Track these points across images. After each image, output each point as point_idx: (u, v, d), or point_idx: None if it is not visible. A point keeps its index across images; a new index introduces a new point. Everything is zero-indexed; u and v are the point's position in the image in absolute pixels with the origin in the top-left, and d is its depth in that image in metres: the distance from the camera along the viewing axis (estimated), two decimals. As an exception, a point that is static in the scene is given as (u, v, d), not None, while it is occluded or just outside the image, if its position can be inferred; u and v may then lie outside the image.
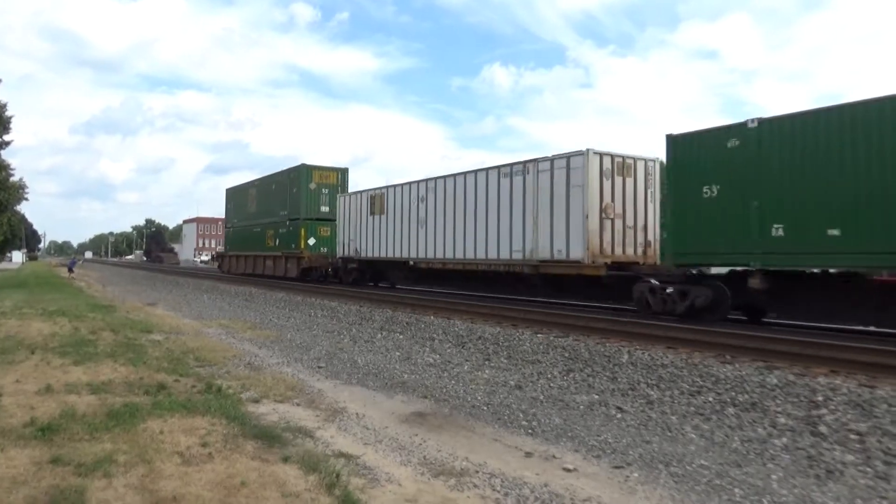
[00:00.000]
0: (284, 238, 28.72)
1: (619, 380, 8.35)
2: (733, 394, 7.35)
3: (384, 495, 4.58)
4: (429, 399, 7.82)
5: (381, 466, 5.18)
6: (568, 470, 5.22)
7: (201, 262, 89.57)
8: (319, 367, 9.75)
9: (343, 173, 28.92)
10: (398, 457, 5.53)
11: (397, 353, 10.97)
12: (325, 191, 27.66)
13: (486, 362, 10.01)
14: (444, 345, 11.52)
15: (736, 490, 4.85)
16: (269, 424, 6.13)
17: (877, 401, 6.58)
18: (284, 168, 30.63)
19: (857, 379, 7.52)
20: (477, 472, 5.14)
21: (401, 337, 12.61)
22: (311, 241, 26.99)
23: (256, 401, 7.24)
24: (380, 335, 12.86)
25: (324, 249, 27.08)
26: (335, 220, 25.97)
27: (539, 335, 11.42)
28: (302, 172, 28.03)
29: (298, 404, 7.26)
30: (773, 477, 5.16)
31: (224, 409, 6.40)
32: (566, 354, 9.82)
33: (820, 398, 6.87)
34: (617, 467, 5.32)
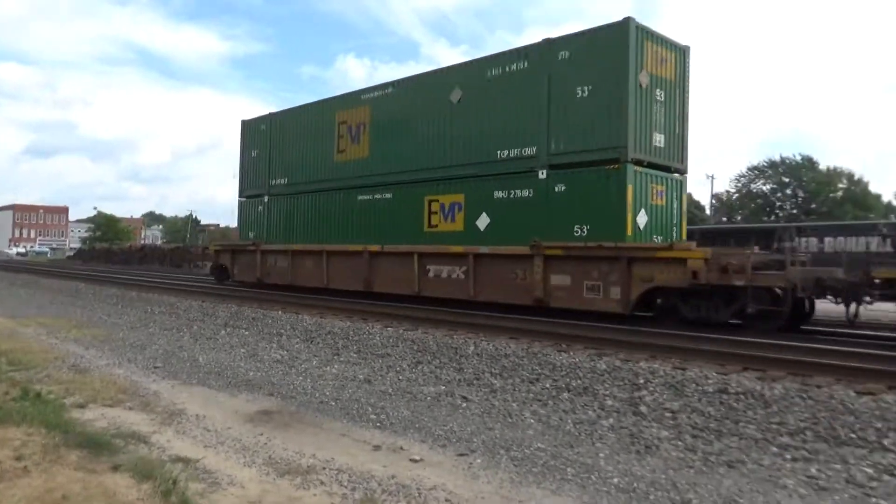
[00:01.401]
0: (542, 212, 12.83)
1: (465, 370, 8.65)
2: (568, 380, 7.88)
3: (226, 499, 4.42)
4: (275, 397, 7.64)
5: (222, 469, 4.99)
6: (415, 461, 5.34)
7: (17, 254, 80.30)
8: (156, 368, 9.17)
9: (683, 54, 13.07)
10: (242, 458, 5.35)
11: (242, 350, 10.59)
12: (659, 95, 12.38)
13: (336, 357, 9.95)
14: (291, 340, 11.29)
15: (568, 469, 5.22)
16: (97, 431, 5.69)
17: (687, 381, 7.36)
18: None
19: (671, 362, 8.37)
20: (324, 468, 5.11)
21: (246, 333, 12.17)
22: (642, 220, 12.20)
23: (82, 406, 6.69)
24: (223, 332, 12.33)
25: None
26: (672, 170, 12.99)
27: (389, 329, 11.53)
28: (624, 33, 11.76)
29: (131, 408, 6.79)
30: (601, 455, 5.60)
31: (43, 416, 5.84)
32: (415, 347, 10.00)
33: (641, 381, 7.56)
34: (461, 455, 5.52)
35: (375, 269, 15.71)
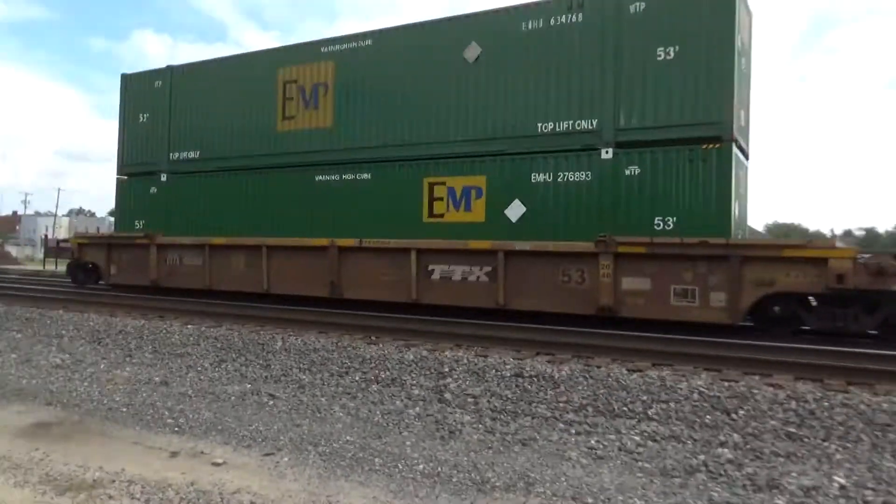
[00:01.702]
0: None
1: (273, 367, 8.40)
2: (377, 371, 7.98)
3: (-11, 527, 3.89)
4: (55, 406, 6.83)
5: (-14, 493, 4.38)
6: (217, 464, 5.08)
7: None
8: None
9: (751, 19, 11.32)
10: (12, 478, 4.74)
11: (13, 356, 9.30)
12: (743, 64, 10.48)
13: (128, 359, 9.12)
14: (75, 342, 10.14)
15: (376, 460, 5.29)
16: None
17: (488, 367, 7.82)
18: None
19: (474, 350, 8.85)
20: (113, 481, 4.68)
21: (18, 336, 10.71)
22: (735, 212, 10.30)
23: None
24: (-13, 336, 10.74)
25: None
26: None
27: (189, 326, 10.82)
28: None
29: None
30: (408, 443, 5.75)
31: None
32: (218, 345, 9.49)
33: (447, 369, 7.90)
34: (267, 454, 5.37)
35: (347, 270, 12.24)
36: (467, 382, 7.41)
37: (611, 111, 10.31)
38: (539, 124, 10.87)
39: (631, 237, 9.77)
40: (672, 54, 9.84)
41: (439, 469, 5.09)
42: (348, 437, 5.85)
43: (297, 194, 13.27)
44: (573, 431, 5.99)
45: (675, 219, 9.82)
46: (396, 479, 4.90)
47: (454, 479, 4.91)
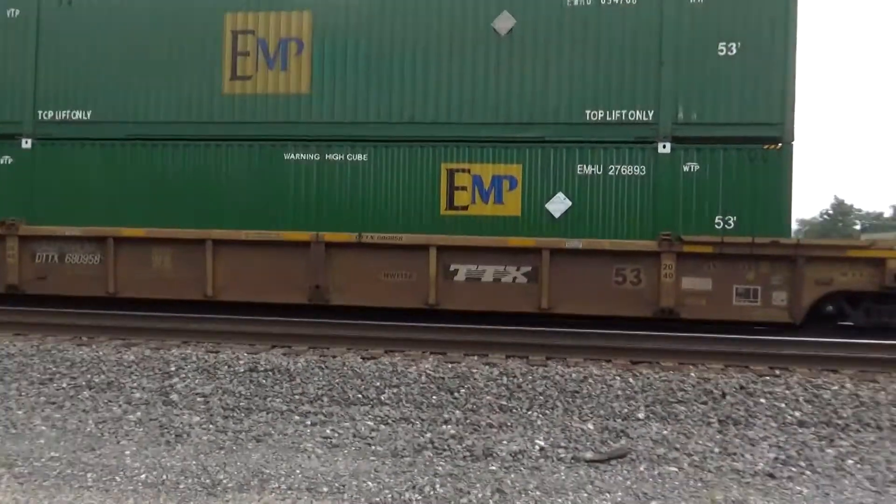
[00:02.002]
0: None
1: (-56, 381, 7.06)
2: (89, 376, 7.22)
3: None
4: None
5: None
6: None
7: None
8: None
9: None
10: None
11: None
12: None
13: None
14: None
15: (89, 475, 4.80)
16: None
17: (220, 364, 7.53)
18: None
19: (204, 347, 8.43)
20: None
21: None
22: None
23: None
24: None
25: None
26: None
27: None
28: None
29: None
30: (127, 452, 5.30)
31: None
32: None
33: (173, 368, 7.42)
34: (-61, 488, 4.52)
35: (337, 271, 9.96)
36: (196, 381, 7.07)
37: (669, 104, 9.75)
38: (588, 111, 9.90)
39: (695, 236, 9.45)
40: (734, 50, 9.66)
41: (164, 477, 4.82)
42: (54, 453, 5.25)
43: (253, 175, 10.46)
44: (309, 423, 6.08)
45: (735, 218, 9.63)
46: (113, 494, 4.53)
47: (181, 486, 4.68)
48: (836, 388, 7.05)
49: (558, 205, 9.92)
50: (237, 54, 10.49)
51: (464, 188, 10.07)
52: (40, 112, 10.74)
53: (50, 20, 10.84)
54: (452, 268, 9.83)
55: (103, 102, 10.65)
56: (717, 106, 9.73)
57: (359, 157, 10.25)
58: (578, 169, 9.90)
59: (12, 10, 10.87)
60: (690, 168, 9.77)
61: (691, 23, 9.71)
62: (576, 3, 9.84)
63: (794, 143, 9.69)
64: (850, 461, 5.27)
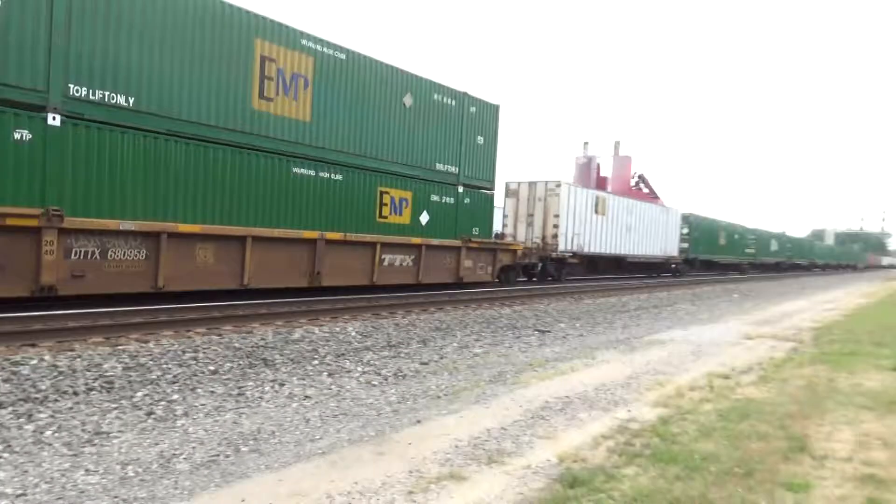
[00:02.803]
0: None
1: None
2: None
3: None
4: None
5: None
6: None
7: None
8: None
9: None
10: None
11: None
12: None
13: None
14: None
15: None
16: None
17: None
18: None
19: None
20: None
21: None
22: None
23: None
24: None
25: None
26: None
27: None
28: (497, 109, 19.18)
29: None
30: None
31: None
32: None
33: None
34: None
35: (327, 260, 13.23)
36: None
37: (462, 164, 17.28)
38: (437, 164, 16.43)
39: (469, 238, 17.55)
40: (482, 141, 17.97)
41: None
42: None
43: (272, 183, 12.41)
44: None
45: (478, 228, 17.98)
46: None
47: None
48: (35, 361, 6.83)
49: (424, 218, 16.12)
50: (264, 77, 12.09)
51: (386, 204, 14.99)
52: (72, 86, 9.40)
53: None
54: (382, 257, 14.81)
55: (143, 90, 10.25)
56: (476, 169, 17.88)
57: (338, 177, 13.74)
58: (431, 197, 16.31)
59: None
60: (467, 201, 17.46)
61: (470, 121, 17.40)
62: (436, 98, 16.16)
63: (493, 191, 18.98)
64: (48, 432, 5.08)
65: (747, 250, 46.51)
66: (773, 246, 54.12)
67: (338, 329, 10.27)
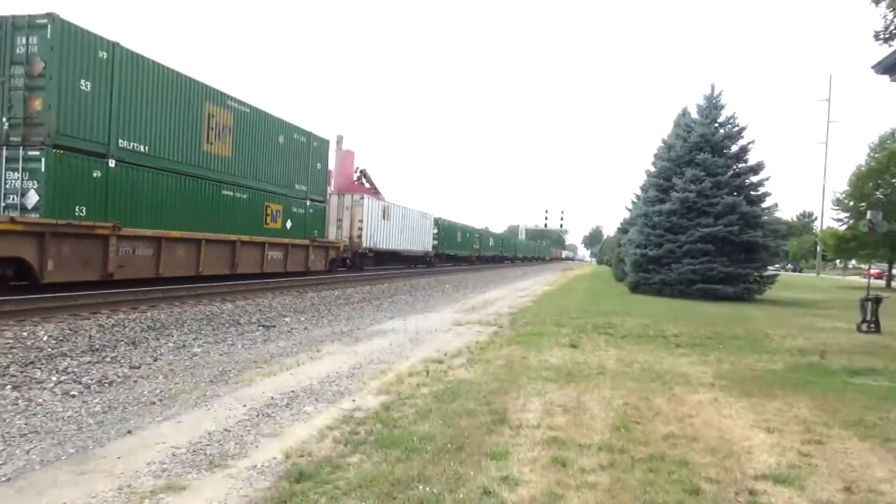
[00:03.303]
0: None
1: None
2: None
3: None
4: None
5: None
6: None
7: None
8: None
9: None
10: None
11: None
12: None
13: None
14: None
15: None
16: None
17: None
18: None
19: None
20: None
21: None
22: (333, 229, 28.78)
23: None
24: None
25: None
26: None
27: None
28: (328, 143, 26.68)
29: None
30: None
31: None
32: None
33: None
34: None
35: (240, 255, 18.67)
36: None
37: (308, 185, 23.77)
38: (296, 185, 22.75)
39: (314, 238, 23.90)
40: (320, 166, 24.75)
41: None
42: None
43: (212, 201, 17.67)
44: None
45: (317, 231, 24.23)
46: None
47: None
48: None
49: (289, 224, 22.04)
50: (209, 128, 17.41)
51: (269, 215, 20.73)
52: (119, 140, 14.15)
53: (122, 68, 14.21)
54: (268, 253, 20.55)
55: (151, 141, 15.18)
56: (313, 188, 24.38)
57: (243, 196, 19.28)
58: (293, 209, 22.44)
59: (102, 52, 13.60)
60: (310, 210, 23.91)
61: (312, 152, 23.91)
62: (295, 136, 22.41)
63: (325, 204, 25.78)
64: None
65: (475, 246, 58.94)
66: (491, 242, 67.76)
67: (25, 334, 8.83)
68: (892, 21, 16.10)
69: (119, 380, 7.06)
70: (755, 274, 24.56)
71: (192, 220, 16.54)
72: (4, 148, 12.46)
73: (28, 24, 12.33)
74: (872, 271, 42.46)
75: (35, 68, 12.29)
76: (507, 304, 18.47)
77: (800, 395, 7.10)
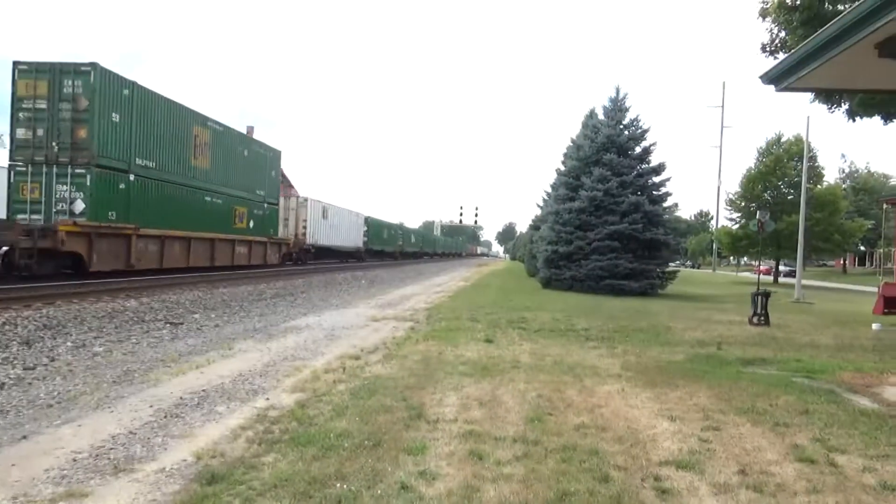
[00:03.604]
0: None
1: None
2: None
3: None
4: None
5: None
6: None
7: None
8: None
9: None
10: None
11: None
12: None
13: None
14: None
15: None
16: None
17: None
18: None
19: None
20: None
21: None
22: (282, 226, 32.41)
23: None
24: None
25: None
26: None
27: None
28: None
29: None
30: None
31: None
32: None
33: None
34: None
35: (217, 250, 22.76)
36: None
37: (266, 190, 27.71)
38: (257, 190, 26.65)
39: (270, 236, 28.29)
40: (274, 174, 28.93)
41: None
42: None
43: (198, 206, 21.57)
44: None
45: (273, 230, 28.72)
46: None
47: None
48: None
49: (251, 224, 25.91)
50: (195, 146, 21.15)
51: (237, 217, 24.48)
52: (136, 158, 17.88)
53: (138, 102, 17.95)
54: (236, 248, 24.49)
55: (156, 158, 18.88)
56: (269, 192, 28.58)
57: (219, 201, 23.05)
58: (254, 211, 26.10)
59: (126, 90, 17.29)
60: (268, 211, 28.05)
61: (270, 164, 28.28)
62: (255, 148, 26.35)
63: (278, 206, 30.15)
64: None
65: (399, 242, 63.66)
66: (413, 239, 72.27)
67: None
68: (776, 35, 17.28)
69: (11, 382, 6.66)
70: (658, 270, 25.60)
71: (184, 222, 20.51)
72: (54, 166, 16.01)
73: (74, 70, 16.02)
74: (762, 268, 45.63)
75: (80, 105, 15.92)
76: (423, 300, 18.52)
77: (699, 385, 7.52)
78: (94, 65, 16.04)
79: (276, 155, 28.79)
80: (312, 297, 18.25)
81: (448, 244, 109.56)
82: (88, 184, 16.08)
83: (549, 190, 35.39)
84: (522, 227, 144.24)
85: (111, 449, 4.64)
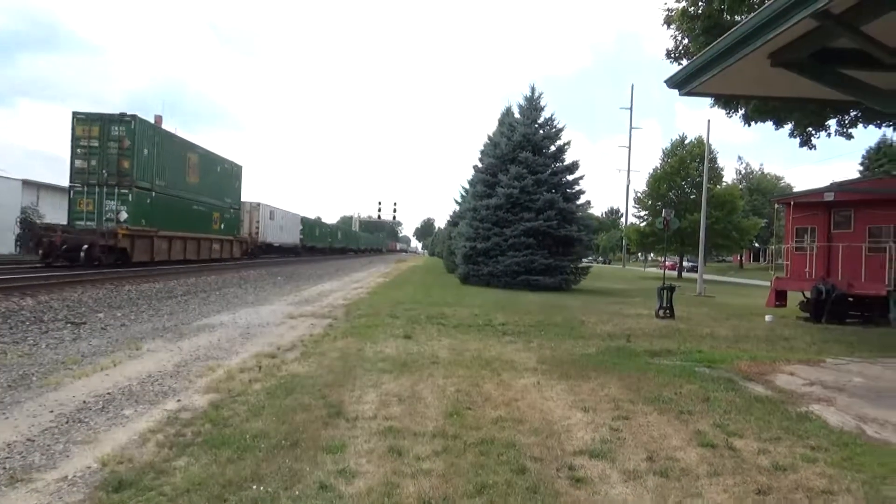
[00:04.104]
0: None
1: None
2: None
3: None
4: None
5: None
6: None
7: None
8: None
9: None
10: None
11: None
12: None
13: None
14: None
15: None
16: None
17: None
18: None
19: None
20: None
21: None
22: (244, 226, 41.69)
23: None
24: None
25: None
26: None
27: None
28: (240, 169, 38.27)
29: None
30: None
31: None
32: None
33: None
34: None
35: (204, 247, 29.50)
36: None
37: (231, 198, 34.89)
38: (225, 198, 33.17)
39: (235, 235, 35.56)
40: (238, 184, 35.98)
41: None
42: None
43: (190, 212, 28.12)
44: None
45: (237, 231, 36.73)
46: None
47: None
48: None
49: (222, 226, 32.54)
50: (189, 167, 27.87)
51: (214, 220, 31.33)
52: (156, 180, 24.45)
53: (158, 138, 24.84)
54: (213, 245, 31.31)
55: (165, 178, 25.27)
56: (235, 198, 36.10)
57: (203, 208, 29.65)
58: (224, 215, 32.86)
59: (152, 132, 24.36)
60: (236, 215, 35.72)
61: (233, 173, 35.49)
62: (225, 165, 33.33)
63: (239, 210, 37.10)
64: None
65: (329, 239, 70.16)
66: (339, 236, 78.52)
67: None
68: (680, 42, 18.17)
69: None
70: (571, 266, 26.46)
71: (183, 226, 27.06)
72: (105, 187, 22.38)
73: (120, 120, 22.45)
74: (667, 263, 47.84)
75: (124, 145, 22.37)
76: (341, 296, 18.33)
77: (610, 376, 7.77)
78: (134, 116, 22.57)
79: (239, 169, 35.55)
80: (226, 294, 17.70)
81: (370, 240, 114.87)
82: (130, 200, 22.60)
83: (467, 186, 35.80)
84: (441, 222, 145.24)
85: (7, 458, 4.38)
